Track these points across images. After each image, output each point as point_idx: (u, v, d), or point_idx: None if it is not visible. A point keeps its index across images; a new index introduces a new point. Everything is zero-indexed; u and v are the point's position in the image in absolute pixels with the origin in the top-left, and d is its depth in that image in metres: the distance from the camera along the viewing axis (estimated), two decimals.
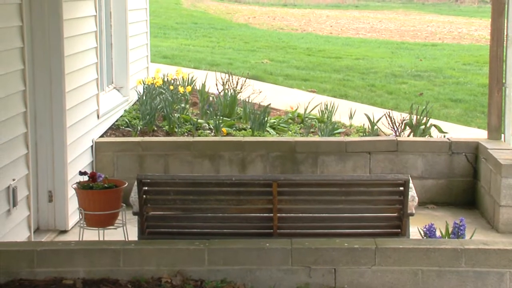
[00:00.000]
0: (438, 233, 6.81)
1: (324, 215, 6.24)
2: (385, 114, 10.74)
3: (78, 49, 8.28)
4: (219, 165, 8.98)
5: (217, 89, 12.31)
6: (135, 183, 6.20)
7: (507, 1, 8.88)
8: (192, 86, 12.54)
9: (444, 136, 10.21)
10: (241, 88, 12.26)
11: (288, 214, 6.25)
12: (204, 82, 12.31)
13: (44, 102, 7.72)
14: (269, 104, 11.43)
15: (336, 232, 6.22)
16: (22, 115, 6.91)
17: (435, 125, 10.85)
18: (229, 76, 12.47)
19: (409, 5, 41.40)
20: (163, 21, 27.92)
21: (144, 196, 6.17)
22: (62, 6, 7.67)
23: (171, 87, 11.89)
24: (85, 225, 6.79)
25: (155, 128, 10.28)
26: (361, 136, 10.49)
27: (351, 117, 11.48)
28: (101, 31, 9.91)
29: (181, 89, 11.83)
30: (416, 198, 6.47)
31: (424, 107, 10.74)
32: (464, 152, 9.01)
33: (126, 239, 6.79)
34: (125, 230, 6.90)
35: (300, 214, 6.27)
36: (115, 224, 6.88)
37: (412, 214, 6.27)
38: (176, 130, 10.25)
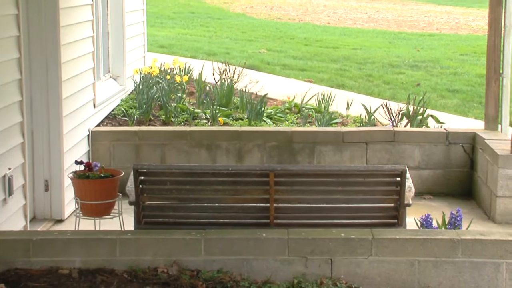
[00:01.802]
0: (434, 224, 6.82)
1: (321, 205, 6.23)
2: (382, 104, 10.72)
3: (74, 38, 8.25)
4: (216, 155, 8.97)
5: (214, 79, 12.28)
6: (132, 172, 6.18)
7: None
8: (189, 75, 12.51)
9: (441, 127, 10.20)
10: (238, 78, 12.23)
11: (285, 204, 6.24)
12: (201, 71, 12.27)
13: (40, 91, 7.69)
14: (266, 94, 11.41)
15: (333, 223, 6.21)
16: (18, 104, 6.89)
17: (432, 116, 10.83)
18: (226, 65, 12.44)
19: None
20: (160, 11, 27.84)
21: (140, 185, 6.15)
22: None
23: (168, 77, 11.86)
24: (81, 215, 6.78)
25: (152, 118, 10.25)
26: (358, 126, 10.48)
27: (348, 107, 11.46)
28: (98, 20, 9.87)
29: (178, 79, 11.80)
30: (413, 189, 6.47)
31: (421, 97, 10.71)
32: (461, 142, 9.00)
33: (122, 229, 6.78)
34: (121, 219, 6.89)
35: (297, 204, 6.26)
36: (111, 214, 6.88)
37: (409, 205, 6.26)
38: (172, 119, 10.23)
